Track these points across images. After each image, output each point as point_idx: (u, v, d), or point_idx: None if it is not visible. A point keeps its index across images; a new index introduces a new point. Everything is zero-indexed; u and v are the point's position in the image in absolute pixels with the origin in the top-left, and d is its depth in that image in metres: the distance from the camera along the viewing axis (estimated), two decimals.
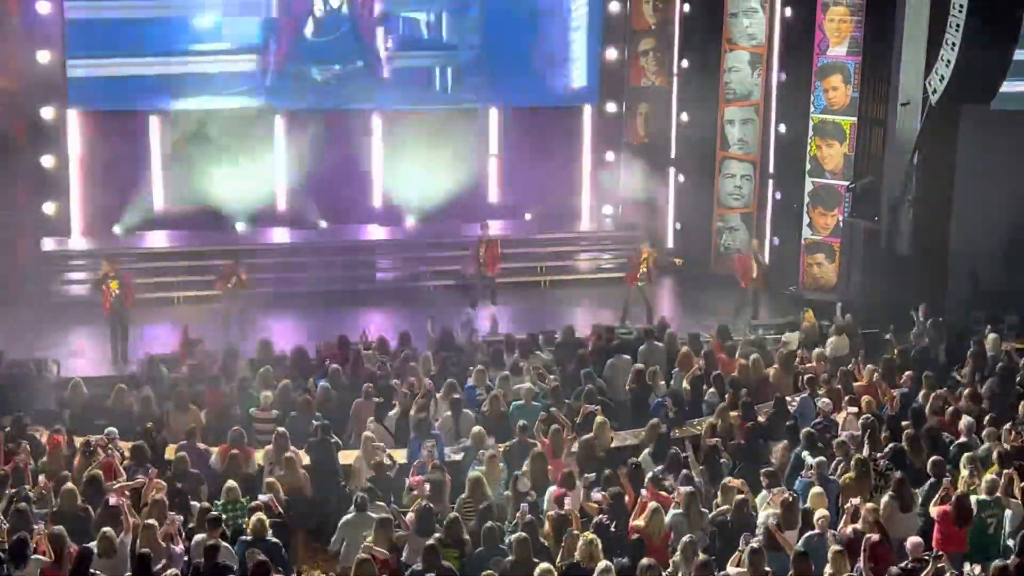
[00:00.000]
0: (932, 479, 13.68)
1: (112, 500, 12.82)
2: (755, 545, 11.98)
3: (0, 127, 23.74)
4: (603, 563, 11.57)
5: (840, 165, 23.97)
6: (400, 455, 15.30)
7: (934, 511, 13.10)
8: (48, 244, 24.76)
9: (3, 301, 22.40)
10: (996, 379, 17.16)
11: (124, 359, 19.93)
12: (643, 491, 13.45)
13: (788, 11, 24.68)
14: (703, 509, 13.20)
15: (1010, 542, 12.83)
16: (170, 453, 15.00)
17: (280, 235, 26.18)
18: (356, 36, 26.01)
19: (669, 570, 12.06)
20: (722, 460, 14.75)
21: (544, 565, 11.59)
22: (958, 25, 20.52)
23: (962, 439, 14.99)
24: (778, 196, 25.40)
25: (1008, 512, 13.18)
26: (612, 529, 12.80)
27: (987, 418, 15.48)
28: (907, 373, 17.30)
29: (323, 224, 26.30)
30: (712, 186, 26.14)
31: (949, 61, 20.83)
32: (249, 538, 12.51)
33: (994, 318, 20.29)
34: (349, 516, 13.21)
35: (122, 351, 20.26)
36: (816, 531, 12.55)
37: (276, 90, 25.78)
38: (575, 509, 13.21)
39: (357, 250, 25.96)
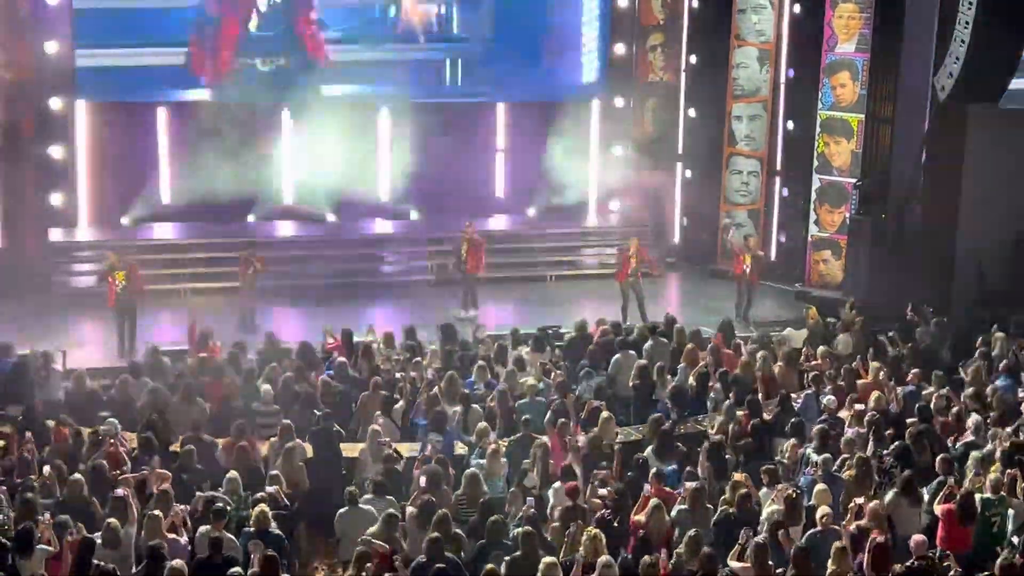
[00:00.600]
0: (940, 477, 13.67)
1: (119, 492, 12.85)
2: (760, 540, 11.99)
3: (8, 118, 23.80)
4: (604, 557, 11.58)
5: (847, 162, 23.95)
6: (406, 448, 15.33)
7: (938, 509, 13.09)
8: (55, 235, 24.79)
9: (10, 292, 22.45)
10: (1002, 378, 17.12)
11: (131, 351, 19.95)
12: (646, 486, 13.47)
13: (797, 8, 24.66)
14: (708, 505, 13.21)
15: (1015, 539, 12.83)
16: (176, 445, 15.02)
17: (286, 228, 26.19)
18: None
19: (673, 561, 12.08)
20: (727, 457, 14.76)
21: (549, 559, 11.62)
22: (967, 22, 20.50)
23: (968, 438, 14.98)
24: (785, 193, 25.39)
25: (1012, 511, 13.17)
26: (615, 524, 12.80)
27: (991, 417, 15.47)
28: (914, 371, 17.28)
29: (331, 218, 26.32)
30: (719, 182, 26.13)
31: (958, 58, 20.80)
32: (252, 530, 12.54)
33: (1001, 317, 20.25)
34: (343, 510, 13.24)
35: (129, 343, 20.28)
36: (819, 528, 12.56)
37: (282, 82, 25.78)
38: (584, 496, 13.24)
39: (364, 244, 25.99)
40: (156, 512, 12.42)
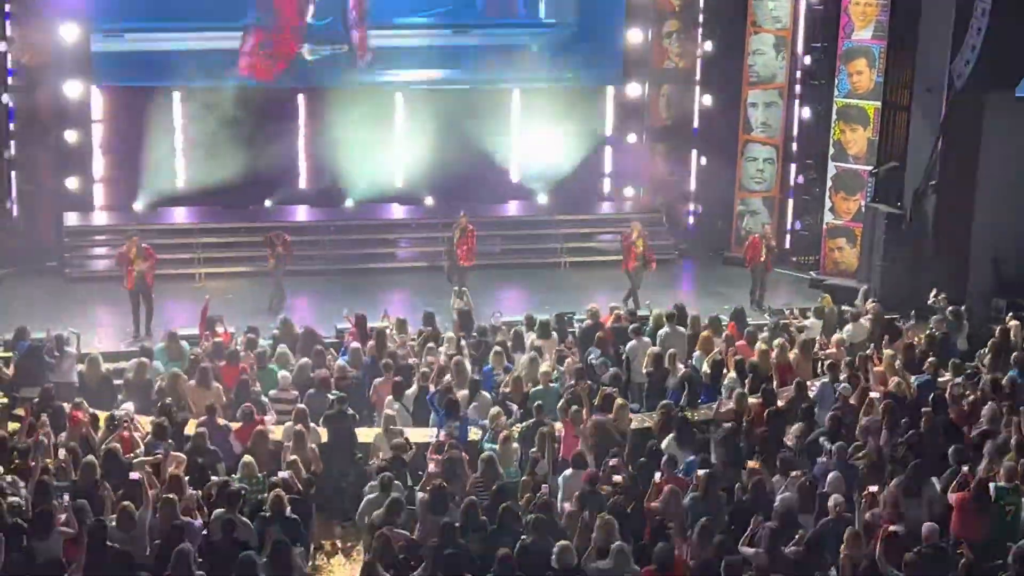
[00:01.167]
0: (953, 466, 13.65)
1: (134, 475, 12.89)
2: (772, 526, 12.00)
3: (24, 102, 23.83)
4: (617, 543, 11.60)
5: (863, 150, 23.89)
6: (418, 434, 15.35)
7: (952, 498, 13.07)
8: (71, 219, 24.86)
9: (26, 275, 22.52)
10: (1018, 367, 17.08)
11: (148, 334, 20.03)
12: (656, 474, 13.49)
13: None
14: (720, 492, 13.21)
15: None
16: (190, 429, 15.08)
17: (302, 213, 26.22)
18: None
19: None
20: (741, 445, 14.75)
21: (563, 542, 11.64)
22: (984, 10, 20.40)
23: (983, 426, 14.95)
24: (800, 180, 25.33)
25: None
26: (628, 511, 12.82)
27: (1007, 406, 15.43)
28: (929, 360, 17.24)
29: (349, 203, 26.35)
30: (734, 169, 26.08)
31: (974, 46, 20.71)
32: (268, 514, 12.58)
33: (1016, 305, 20.20)
34: (373, 496, 13.23)
35: (145, 326, 20.35)
36: (832, 516, 12.56)
37: (300, 67, 25.78)
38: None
39: (379, 228, 26.02)
40: (170, 495, 12.47)
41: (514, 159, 27.16)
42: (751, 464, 13.70)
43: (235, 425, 15.21)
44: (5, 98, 23.57)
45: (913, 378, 16.71)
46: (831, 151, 24.24)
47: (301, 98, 26.09)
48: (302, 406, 15.27)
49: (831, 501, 12.68)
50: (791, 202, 25.70)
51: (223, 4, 25.26)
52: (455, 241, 22.35)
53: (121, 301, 20.98)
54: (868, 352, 17.55)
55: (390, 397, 15.95)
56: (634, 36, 26.89)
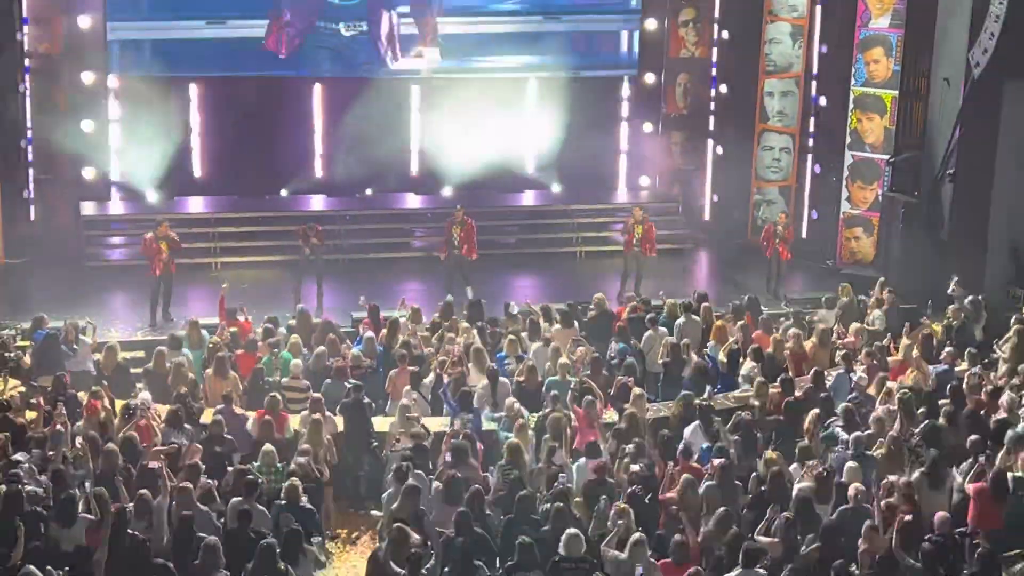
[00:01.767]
0: (971, 457, 13.61)
1: (152, 464, 12.93)
2: (789, 515, 11.99)
3: (42, 92, 23.87)
4: (636, 535, 11.59)
5: (880, 139, 23.80)
6: (434, 423, 15.38)
7: (970, 488, 13.03)
8: (88, 209, 24.92)
9: (43, 265, 22.59)
10: None
11: (167, 321, 20.11)
12: (669, 464, 13.48)
13: None
14: (736, 482, 13.20)
15: None
16: (207, 417, 15.12)
17: (318, 202, 26.24)
18: None
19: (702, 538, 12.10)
20: (758, 435, 14.73)
21: (572, 530, 11.64)
22: None
23: (1002, 415, 14.89)
24: (817, 169, 25.25)
25: None
26: (646, 501, 12.82)
27: None
28: (947, 350, 17.18)
29: (368, 192, 26.35)
30: (750, 158, 26.01)
31: (993, 34, 20.60)
32: (284, 502, 12.62)
33: None
34: (391, 490, 13.22)
35: (163, 314, 20.42)
36: (850, 505, 12.54)
37: (310, 56, 25.77)
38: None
39: (394, 218, 26.03)
40: (187, 483, 12.51)
41: (530, 148, 27.12)
42: (768, 454, 13.66)
43: (252, 413, 15.24)
44: (22, 88, 23.61)
45: (930, 368, 16.66)
46: (848, 140, 24.16)
47: (317, 87, 26.09)
48: (317, 395, 15.31)
49: (850, 490, 12.66)
50: (807, 191, 25.61)
51: None
52: (456, 239, 21.89)
53: (138, 290, 21.06)
54: (885, 342, 17.50)
55: (408, 387, 15.97)
56: (650, 25, 26.82)
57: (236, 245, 24.40)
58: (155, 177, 25.31)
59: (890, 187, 23.10)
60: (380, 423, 15.61)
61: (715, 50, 26.74)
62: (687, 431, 14.63)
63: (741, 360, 17.36)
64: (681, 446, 13.94)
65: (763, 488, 12.97)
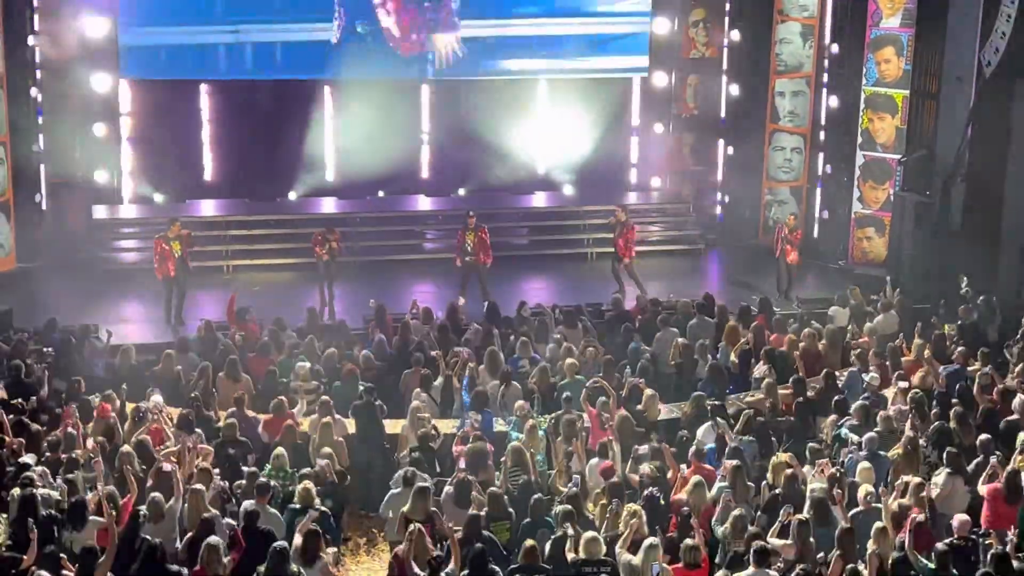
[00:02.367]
0: (980, 457, 13.58)
1: (166, 467, 12.96)
2: (803, 517, 11.97)
3: (53, 96, 23.93)
4: (650, 539, 11.56)
5: (892, 138, 23.75)
6: (445, 425, 15.38)
7: (983, 489, 13.00)
8: (99, 211, 24.98)
9: (55, 268, 22.65)
10: None
11: (180, 323, 20.14)
12: (682, 466, 13.47)
13: None
14: (749, 483, 13.19)
15: None
16: (220, 420, 15.13)
17: (329, 205, 26.27)
18: None
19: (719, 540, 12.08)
20: (772, 437, 14.71)
21: (589, 534, 11.64)
22: None
23: (1015, 417, 14.85)
24: (828, 169, 25.20)
25: None
26: (660, 502, 12.81)
27: None
28: (959, 350, 17.14)
29: (380, 194, 26.37)
30: (761, 159, 25.98)
31: (1004, 33, 20.55)
32: (297, 506, 12.62)
33: None
34: (396, 491, 13.25)
35: (176, 315, 20.46)
36: (861, 507, 12.51)
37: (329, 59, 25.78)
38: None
39: (406, 220, 26.05)
40: (199, 486, 12.53)
41: (541, 150, 27.10)
42: (781, 455, 13.64)
43: (264, 417, 15.27)
44: (34, 92, 23.68)
45: (941, 368, 16.62)
46: (859, 140, 24.12)
47: (327, 90, 26.11)
48: (326, 397, 15.32)
49: (860, 492, 12.64)
50: (819, 191, 25.56)
51: None
52: (470, 243, 21.82)
53: (150, 292, 21.09)
54: (897, 343, 17.47)
55: (418, 388, 15.98)
56: (661, 25, 26.80)
57: (248, 248, 24.44)
58: (166, 180, 25.39)
59: (902, 187, 23.05)
60: (391, 425, 15.61)
61: (725, 50, 26.72)
62: (699, 432, 14.62)
63: (753, 361, 17.33)
64: (693, 447, 13.93)
65: (776, 491, 12.95)
